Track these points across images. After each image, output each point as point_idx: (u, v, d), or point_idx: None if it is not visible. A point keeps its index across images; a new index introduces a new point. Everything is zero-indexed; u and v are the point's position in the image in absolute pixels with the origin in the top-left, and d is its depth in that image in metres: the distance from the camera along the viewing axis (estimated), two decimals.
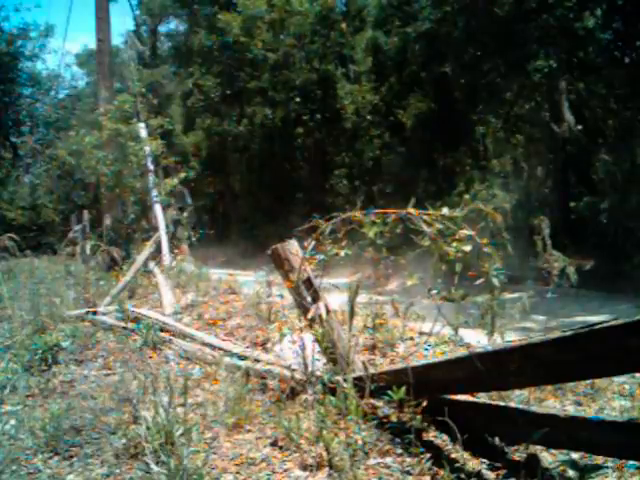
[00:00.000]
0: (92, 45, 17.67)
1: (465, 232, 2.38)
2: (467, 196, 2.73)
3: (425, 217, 2.45)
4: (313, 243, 2.82)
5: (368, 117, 14.51)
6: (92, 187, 11.99)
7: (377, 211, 2.64)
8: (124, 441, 2.36)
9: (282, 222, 14.16)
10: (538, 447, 2.23)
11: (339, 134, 15.30)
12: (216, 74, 16.54)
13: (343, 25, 14.57)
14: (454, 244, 2.39)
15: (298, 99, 14.86)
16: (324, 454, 2.22)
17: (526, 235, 2.53)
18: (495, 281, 2.42)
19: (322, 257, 2.84)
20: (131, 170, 9.26)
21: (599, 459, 2.10)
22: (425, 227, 2.40)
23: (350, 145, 15.23)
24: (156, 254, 7.92)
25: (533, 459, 2.12)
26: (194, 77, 17.07)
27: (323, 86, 14.92)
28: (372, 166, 14.77)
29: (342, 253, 2.87)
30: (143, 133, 9.47)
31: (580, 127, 9.38)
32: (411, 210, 2.47)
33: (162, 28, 23.55)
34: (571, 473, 2.05)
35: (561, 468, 2.07)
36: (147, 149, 9.32)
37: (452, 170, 13.43)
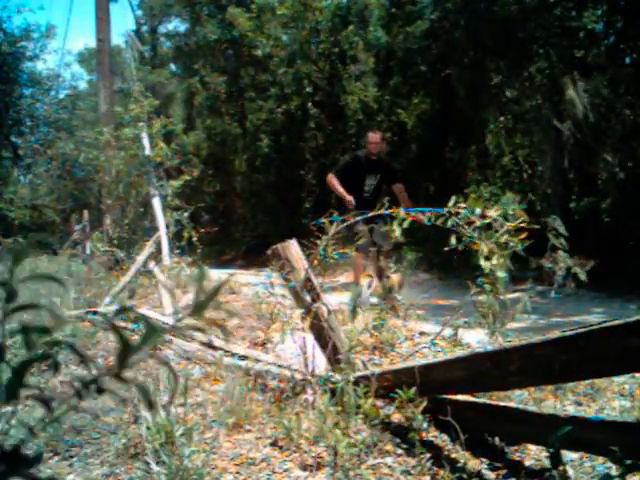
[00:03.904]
0: (92, 45, 17.72)
1: (510, 224, 2.43)
2: (473, 195, 2.75)
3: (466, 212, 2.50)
4: (325, 244, 2.83)
5: (372, 117, 14.51)
6: (95, 186, 12.02)
7: (416, 210, 2.66)
8: (124, 441, 2.36)
9: (284, 222, 14.19)
10: (536, 447, 2.23)
11: (343, 132, 15.30)
12: (221, 70, 16.53)
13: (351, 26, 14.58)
14: (503, 238, 2.43)
15: (306, 96, 14.86)
16: (324, 454, 2.22)
17: (527, 234, 2.54)
18: (502, 279, 2.45)
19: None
20: (138, 170, 9.28)
21: (599, 459, 2.10)
22: (477, 221, 2.44)
23: (354, 144, 15.23)
24: (156, 254, 7.93)
25: (557, 456, 2.09)
26: (199, 74, 17.04)
27: (329, 84, 14.93)
28: None
29: (350, 253, 2.89)
30: (145, 134, 9.48)
31: (592, 118, 9.37)
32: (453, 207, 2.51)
33: (163, 28, 23.61)
34: (571, 473, 2.05)
35: (561, 468, 2.07)
36: (148, 149, 9.33)
37: (457, 170, 13.44)
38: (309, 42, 14.47)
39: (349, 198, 5.39)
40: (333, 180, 5.70)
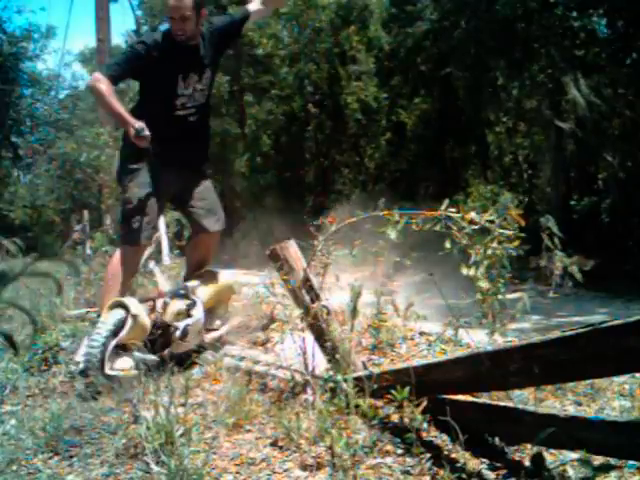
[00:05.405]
0: (93, 44, 17.70)
1: (506, 232, 2.43)
2: (474, 194, 2.75)
3: (457, 216, 2.50)
4: (322, 244, 2.83)
5: (372, 117, 14.53)
6: (95, 186, 12.02)
7: (408, 213, 2.65)
8: (124, 441, 2.36)
9: (285, 222, 14.18)
10: (536, 447, 2.22)
11: (343, 132, 15.32)
12: (221, 70, 16.54)
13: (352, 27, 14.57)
14: (493, 244, 2.43)
15: (306, 96, 14.87)
16: (325, 454, 2.21)
17: (527, 234, 2.55)
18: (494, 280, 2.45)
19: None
20: None
21: (599, 459, 2.10)
22: (465, 225, 2.45)
23: (354, 145, 15.25)
24: (156, 254, 7.91)
25: (539, 458, 2.11)
26: None
27: (329, 84, 14.94)
28: (376, 166, 14.80)
29: (353, 253, 2.90)
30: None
31: (593, 117, 9.37)
32: (443, 211, 2.51)
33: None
34: (571, 473, 2.05)
35: (561, 468, 2.07)
36: None
37: (457, 170, 13.46)
38: (311, 42, 14.47)
39: (137, 125, 2.80)
40: (102, 87, 2.86)
